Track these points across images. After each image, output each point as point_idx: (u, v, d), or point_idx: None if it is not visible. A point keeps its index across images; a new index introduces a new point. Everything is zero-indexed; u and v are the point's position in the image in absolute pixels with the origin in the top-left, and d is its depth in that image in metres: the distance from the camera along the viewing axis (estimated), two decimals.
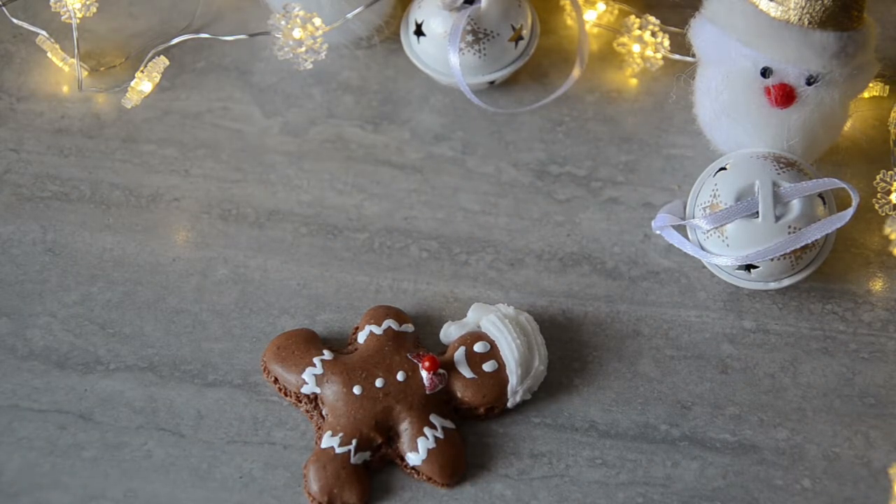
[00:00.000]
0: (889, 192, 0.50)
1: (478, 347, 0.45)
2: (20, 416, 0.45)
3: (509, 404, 0.45)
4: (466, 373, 0.45)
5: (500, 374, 0.45)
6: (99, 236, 0.50)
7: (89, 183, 0.52)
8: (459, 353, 0.45)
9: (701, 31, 0.49)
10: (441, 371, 0.44)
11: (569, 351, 0.48)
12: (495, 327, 0.45)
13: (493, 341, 0.45)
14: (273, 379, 0.46)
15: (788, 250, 0.46)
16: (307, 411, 0.45)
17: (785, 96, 0.47)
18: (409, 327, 0.46)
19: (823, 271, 0.49)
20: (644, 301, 0.49)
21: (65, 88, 0.55)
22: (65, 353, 0.46)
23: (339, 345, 0.47)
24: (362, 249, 0.50)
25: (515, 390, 0.44)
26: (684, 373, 0.47)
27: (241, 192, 0.52)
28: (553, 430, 0.45)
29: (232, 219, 0.51)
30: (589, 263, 0.50)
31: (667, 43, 0.54)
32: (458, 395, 0.44)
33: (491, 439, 0.45)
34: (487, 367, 0.45)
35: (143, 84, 0.53)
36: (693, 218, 0.48)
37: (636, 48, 0.55)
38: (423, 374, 0.44)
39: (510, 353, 0.44)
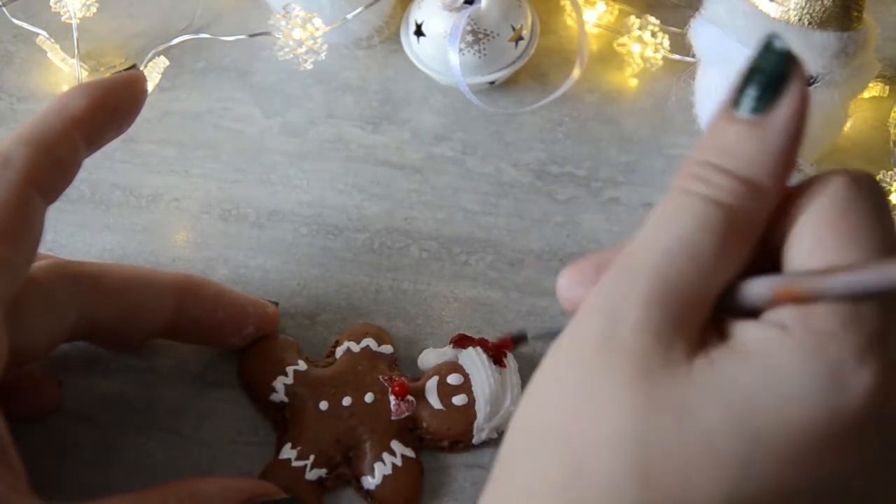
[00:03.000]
0: (889, 193, 0.50)
1: (451, 379, 0.44)
2: None
3: (475, 441, 0.44)
4: (435, 403, 0.44)
5: (468, 409, 0.44)
6: (99, 236, 0.50)
7: (89, 183, 0.52)
8: (431, 383, 0.44)
9: (701, 32, 0.49)
10: (409, 398, 0.43)
11: None
12: (472, 361, 0.44)
13: (468, 375, 0.44)
14: (245, 382, 0.45)
15: None
16: (273, 419, 0.45)
17: None
18: (388, 348, 0.46)
19: None
20: None
21: (65, 88, 0.55)
22: (65, 353, 0.46)
23: (319, 356, 0.47)
24: (362, 249, 0.50)
25: (482, 427, 0.44)
26: None
27: (241, 192, 0.52)
28: None
29: (232, 219, 0.51)
30: None
31: (667, 43, 0.55)
32: (424, 424, 0.44)
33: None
34: (457, 400, 0.44)
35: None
36: None
37: (636, 48, 0.55)
38: (391, 398, 0.43)
39: (481, 389, 0.44)
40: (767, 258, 0.29)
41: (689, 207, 0.28)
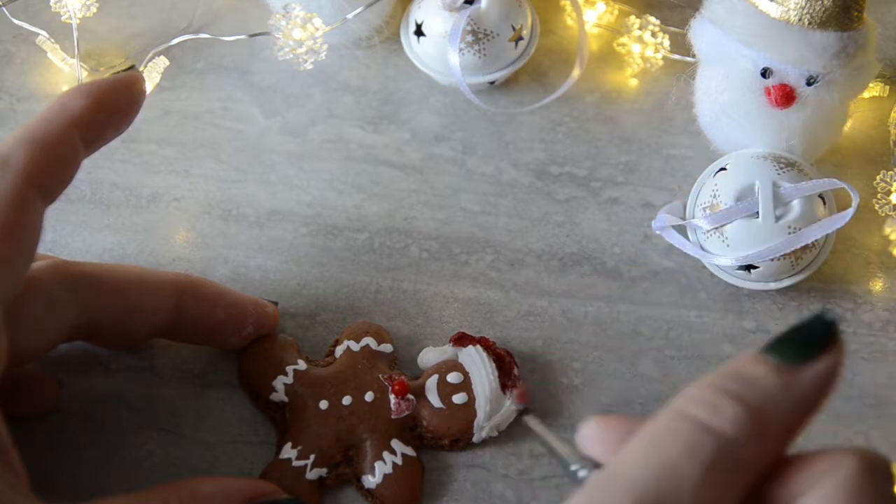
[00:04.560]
0: (889, 193, 0.50)
1: (451, 378, 0.44)
2: None
3: (475, 439, 0.44)
4: (435, 402, 0.44)
5: (468, 408, 0.44)
6: (99, 236, 0.50)
7: (89, 183, 0.52)
8: (431, 381, 0.44)
9: (701, 32, 0.49)
10: (410, 397, 0.43)
11: (569, 351, 0.48)
12: (472, 360, 0.44)
13: (468, 373, 0.44)
14: (245, 382, 0.45)
15: (788, 250, 0.46)
16: (273, 419, 0.45)
17: (785, 96, 0.47)
18: (388, 347, 0.46)
19: (823, 271, 0.49)
20: (644, 301, 0.49)
21: (65, 88, 0.55)
22: (65, 353, 0.46)
23: (319, 356, 0.47)
24: (362, 249, 0.50)
25: (482, 426, 0.44)
26: (684, 373, 0.47)
27: (241, 192, 0.52)
28: (553, 430, 0.45)
29: (232, 219, 0.51)
30: (589, 263, 0.50)
31: (667, 43, 0.55)
32: (424, 423, 0.44)
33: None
34: (458, 398, 0.44)
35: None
36: (693, 218, 0.48)
37: (636, 48, 0.55)
38: (391, 397, 0.43)
39: (482, 388, 0.44)
40: None
41: (681, 431, 0.27)
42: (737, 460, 0.27)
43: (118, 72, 0.41)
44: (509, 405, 0.44)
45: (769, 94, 0.48)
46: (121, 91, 0.40)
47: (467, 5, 0.52)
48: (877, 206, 0.50)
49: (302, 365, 0.45)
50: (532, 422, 0.38)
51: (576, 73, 0.54)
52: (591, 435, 0.31)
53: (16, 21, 0.55)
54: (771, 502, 0.28)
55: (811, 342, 0.28)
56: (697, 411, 0.27)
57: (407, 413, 0.43)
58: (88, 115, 0.39)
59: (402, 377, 0.44)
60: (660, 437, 0.27)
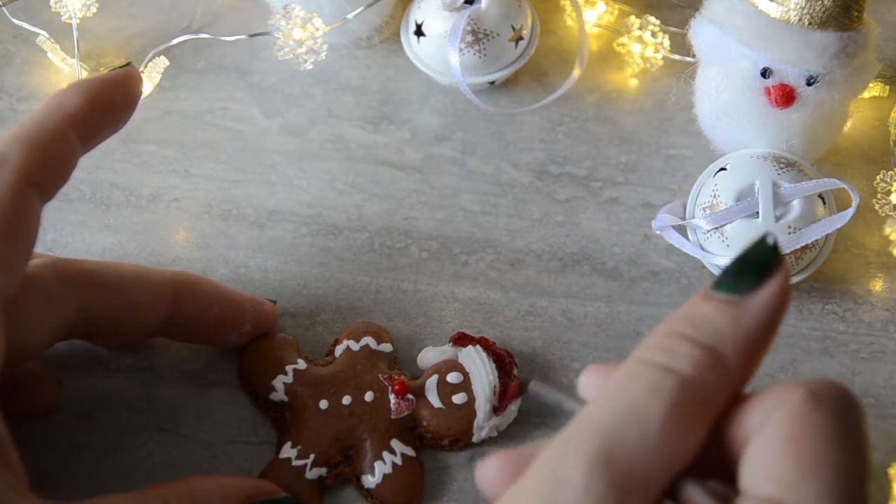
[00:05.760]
0: (889, 193, 0.50)
1: (451, 378, 0.44)
2: None
3: (475, 439, 0.44)
4: (435, 402, 0.44)
5: (468, 408, 0.44)
6: (99, 236, 0.50)
7: (89, 183, 0.52)
8: (431, 381, 0.44)
9: (701, 32, 0.49)
10: (409, 397, 0.43)
11: (569, 351, 0.48)
12: (471, 360, 0.44)
13: (468, 373, 0.44)
14: (245, 381, 0.45)
15: (788, 251, 0.46)
16: (273, 419, 0.45)
17: (785, 97, 0.47)
18: (388, 347, 0.46)
19: (823, 271, 0.49)
20: (644, 301, 0.49)
21: None
22: (65, 353, 0.46)
23: (319, 355, 0.47)
24: (362, 249, 0.50)
25: (481, 426, 0.44)
26: None
27: (241, 192, 0.52)
28: (553, 430, 0.45)
29: (232, 219, 0.51)
30: (589, 263, 0.50)
31: (667, 43, 0.55)
32: (424, 423, 0.44)
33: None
34: (457, 398, 0.44)
35: (144, 84, 0.53)
36: (693, 218, 0.48)
37: (636, 48, 0.55)
38: (391, 397, 0.43)
39: (481, 388, 0.44)
40: (725, 457, 0.28)
41: (642, 374, 0.27)
42: (698, 398, 0.27)
43: (114, 67, 0.41)
44: (514, 409, 0.44)
45: (769, 94, 0.48)
46: (116, 88, 0.40)
47: (467, 5, 0.52)
48: (877, 206, 0.50)
49: (302, 364, 0.45)
50: (538, 387, 0.38)
51: (576, 73, 0.54)
52: (590, 383, 0.32)
53: (16, 21, 0.55)
54: (730, 444, 0.28)
55: (752, 270, 0.28)
56: (655, 356, 0.28)
57: (407, 413, 0.43)
58: (84, 113, 0.38)
59: (402, 377, 0.44)
60: (623, 383, 0.28)
